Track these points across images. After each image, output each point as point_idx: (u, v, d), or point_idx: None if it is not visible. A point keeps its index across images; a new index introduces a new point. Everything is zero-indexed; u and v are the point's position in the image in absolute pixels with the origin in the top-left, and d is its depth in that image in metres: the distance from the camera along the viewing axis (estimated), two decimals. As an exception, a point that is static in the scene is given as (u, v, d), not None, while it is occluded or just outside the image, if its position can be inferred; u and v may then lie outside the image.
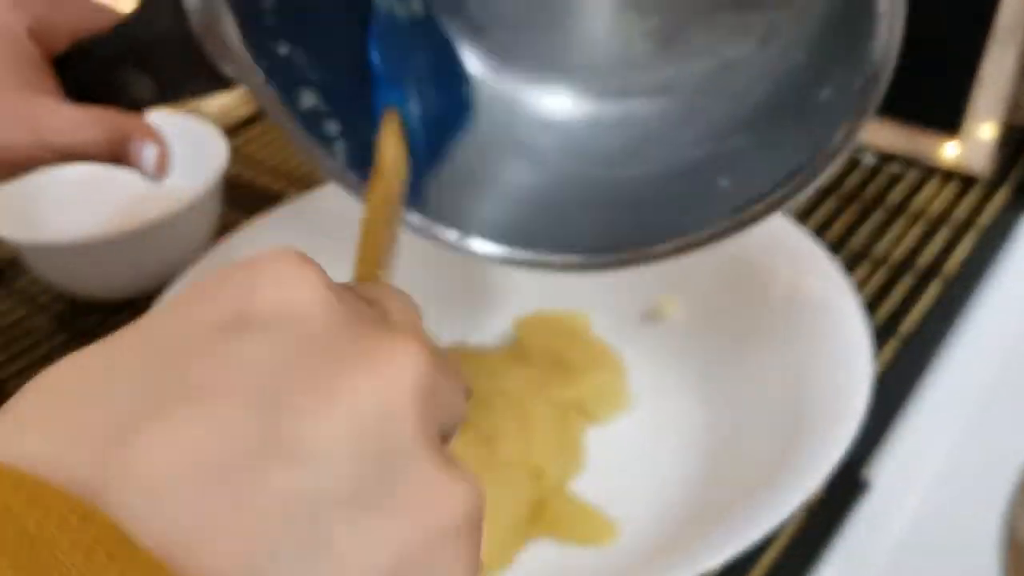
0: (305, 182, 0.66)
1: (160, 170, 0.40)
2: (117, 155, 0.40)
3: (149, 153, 0.40)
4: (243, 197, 0.64)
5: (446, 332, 0.51)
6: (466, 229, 0.38)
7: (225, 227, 0.61)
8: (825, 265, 0.43)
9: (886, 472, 0.45)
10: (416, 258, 0.52)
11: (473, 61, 0.42)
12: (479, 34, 0.42)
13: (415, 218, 0.38)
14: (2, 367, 0.53)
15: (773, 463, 0.37)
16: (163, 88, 0.40)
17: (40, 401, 0.16)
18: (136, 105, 0.40)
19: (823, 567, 0.41)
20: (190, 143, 0.59)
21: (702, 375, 0.46)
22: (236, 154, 0.68)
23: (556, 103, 0.42)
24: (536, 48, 0.42)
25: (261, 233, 0.49)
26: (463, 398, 0.19)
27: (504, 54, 0.42)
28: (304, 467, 0.15)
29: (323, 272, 0.18)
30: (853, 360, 0.38)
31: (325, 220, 0.51)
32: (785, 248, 0.45)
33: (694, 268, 0.48)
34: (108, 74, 0.40)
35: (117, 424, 0.15)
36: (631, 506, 0.42)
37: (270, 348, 0.16)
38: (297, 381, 0.16)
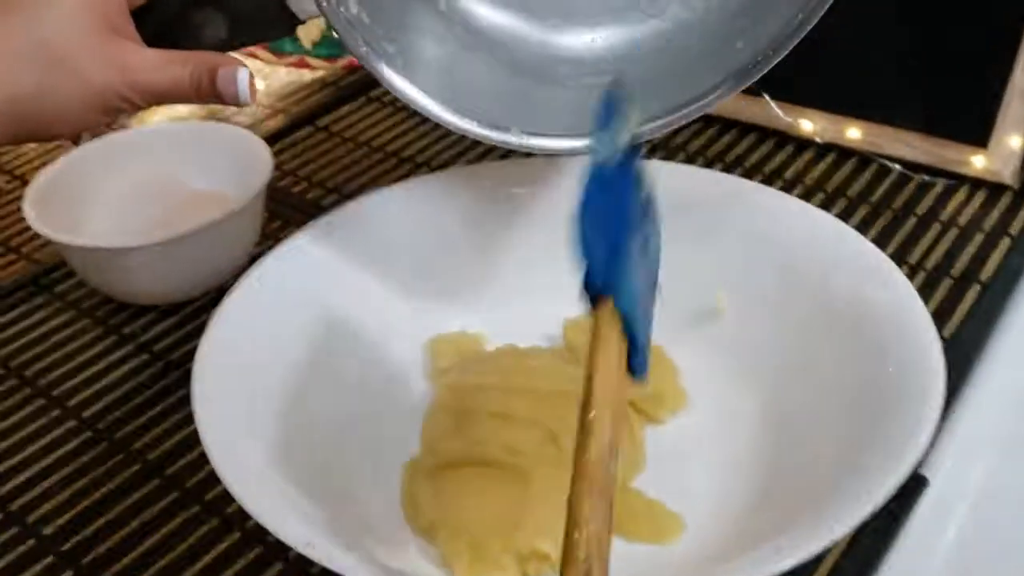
0: (339, 190, 0.66)
1: (253, 92, 0.41)
2: (203, 91, 0.41)
3: (243, 76, 0.41)
4: (281, 205, 0.64)
5: (497, 335, 0.51)
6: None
7: (265, 235, 0.62)
8: (888, 269, 0.44)
9: (942, 469, 0.45)
10: (466, 261, 0.53)
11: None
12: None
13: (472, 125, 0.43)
14: (49, 371, 0.53)
15: (840, 468, 0.38)
16: (237, 28, 0.41)
17: None
18: (212, 49, 0.41)
19: (885, 566, 0.42)
20: (233, 152, 0.60)
21: (758, 375, 0.47)
22: (271, 163, 0.68)
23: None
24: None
25: (313, 241, 0.50)
26: None
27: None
28: None
29: None
30: (924, 367, 0.39)
31: (371, 228, 0.51)
32: (844, 251, 0.46)
33: (747, 267, 0.49)
34: (185, 17, 0.41)
35: None
36: (693, 504, 0.42)
37: None
38: None
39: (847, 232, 0.47)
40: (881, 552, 0.42)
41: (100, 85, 0.39)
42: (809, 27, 0.38)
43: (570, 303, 0.51)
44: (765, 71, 0.40)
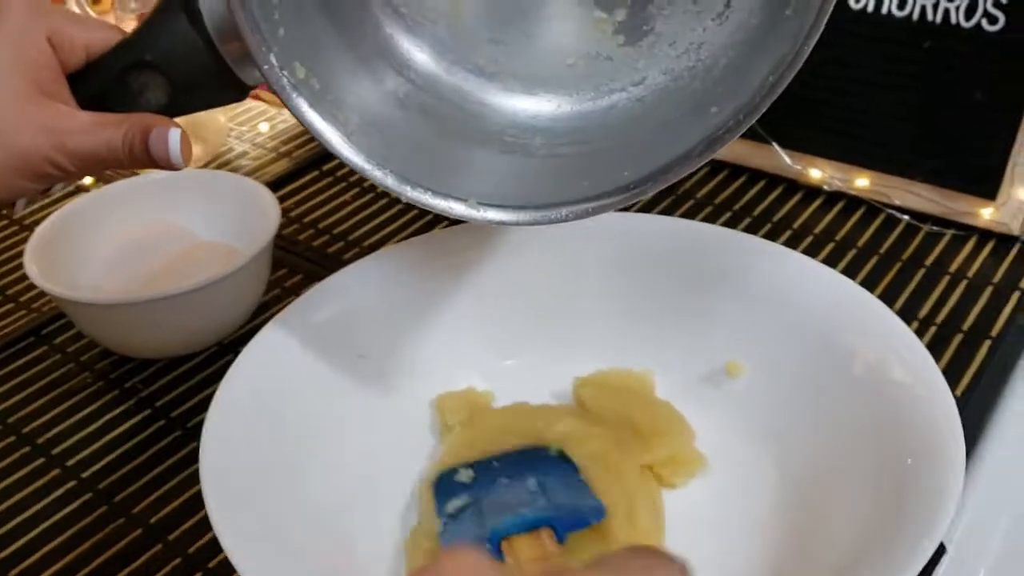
0: (344, 238, 0.65)
1: (187, 155, 0.40)
2: (136, 154, 0.39)
3: (174, 137, 0.39)
4: (286, 253, 0.64)
5: (506, 394, 0.50)
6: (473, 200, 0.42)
7: (270, 284, 0.61)
8: (904, 335, 0.43)
9: (958, 532, 0.45)
10: (473, 315, 0.52)
11: (471, 78, 0.47)
12: (467, 51, 0.47)
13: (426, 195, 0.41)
14: (48, 428, 0.52)
15: (862, 541, 0.37)
16: (178, 93, 0.40)
17: None
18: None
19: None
20: (239, 201, 0.59)
21: (774, 441, 0.46)
22: (274, 210, 0.68)
23: (540, 107, 0.47)
24: (518, 60, 0.47)
25: (316, 307, 0.49)
26: None
27: (489, 68, 0.47)
28: None
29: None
30: (945, 438, 0.38)
31: (370, 292, 0.50)
32: (860, 317, 0.45)
33: (767, 331, 0.48)
34: (123, 81, 0.40)
35: None
36: (710, 572, 0.41)
37: None
38: None
39: (869, 299, 0.46)
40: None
41: (27, 149, 0.38)
42: (780, 90, 0.38)
43: (577, 361, 0.51)
44: (738, 135, 0.39)
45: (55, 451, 0.51)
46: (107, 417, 0.53)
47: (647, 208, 0.66)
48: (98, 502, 0.48)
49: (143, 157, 0.39)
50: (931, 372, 0.42)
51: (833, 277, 0.48)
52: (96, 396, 0.54)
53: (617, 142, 0.44)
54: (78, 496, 0.48)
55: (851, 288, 0.47)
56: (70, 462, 0.50)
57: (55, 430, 0.52)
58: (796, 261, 0.49)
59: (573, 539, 0.40)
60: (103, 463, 0.50)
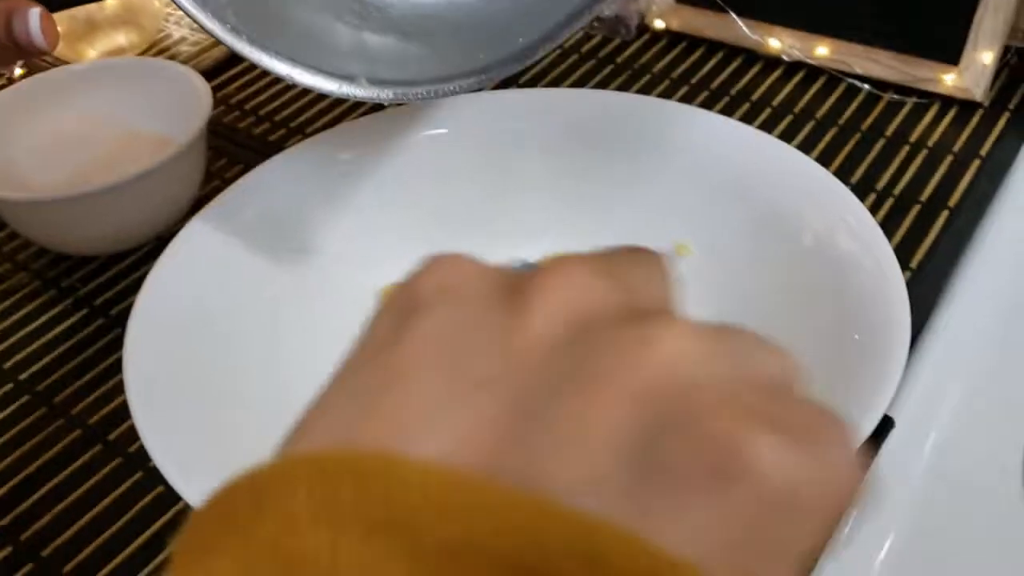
0: (286, 124, 0.63)
1: (51, 36, 0.38)
2: (2, 40, 0.37)
3: (33, 17, 0.37)
4: (227, 142, 0.62)
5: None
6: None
7: (210, 174, 0.59)
8: (853, 206, 0.42)
9: (907, 407, 0.44)
10: (415, 202, 0.50)
11: None
12: None
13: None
14: (-14, 328, 0.51)
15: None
16: None
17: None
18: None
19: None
20: (168, 89, 0.57)
21: (720, 314, 0.45)
22: (213, 97, 0.65)
23: None
24: None
25: (265, 178, 0.47)
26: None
27: None
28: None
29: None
30: (891, 310, 0.37)
31: (325, 165, 0.49)
32: (810, 190, 0.44)
33: (710, 208, 0.47)
34: None
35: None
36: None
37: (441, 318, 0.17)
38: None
39: (818, 170, 0.45)
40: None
41: None
42: None
43: (524, 247, 0.49)
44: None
45: (-5, 350, 0.50)
46: (45, 317, 0.51)
47: (602, 85, 0.64)
48: (36, 404, 0.47)
49: (8, 42, 0.37)
50: (879, 243, 0.41)
51: (783, 149, 0.46)
52: (33, 296, 0.53)
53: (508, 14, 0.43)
54: (15, 399, 0.47)
55: (801, 160, 0.45)
56: (7, 364, 0.49)
57: (-5, 329, 0.51)
58: (744, 134, 0.47)
59: None
60: (41, 364, 0.49)
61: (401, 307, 0.18)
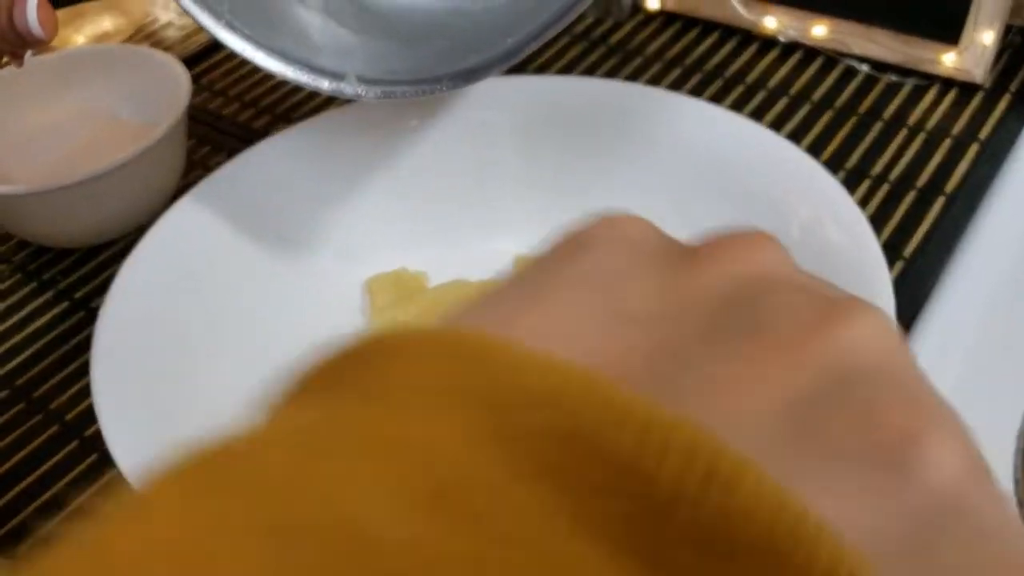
0: (272, 111, 0.62)
1: (48, 25, 0.37)
2: (4, 28, 0.37)
3: (31, 5, 0.37)
4: (210, 129, 0.61)
5: (441, 275, 0.48)
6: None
7: (194, 163, 0.58)
8: (840, 197, 0.41)
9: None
10: (401, 192, 0.49)
11: None
12: None
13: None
14: (-34, 322, 0.51)
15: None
16: None
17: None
18: None
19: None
20: (149, 76, 0.56)
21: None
22: (198, 84, 0.64)
23: None
24: None
25: (247, 167, 0.46)
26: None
27: None
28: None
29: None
30: (873, 297, 0.36)
31: (309, 154, 0.48)
32: (798, 181, 0.43)
33: (697, 197, 0.46)
34: None
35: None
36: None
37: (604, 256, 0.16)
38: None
39: (805, 160, 0.43)
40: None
41: None
42: None
43: (512, 239, 0.48)
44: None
45: (-27, 346, 0.49)
46: (26, 310, 0.51)
47: (594, 68, 0.63)
48: (16, 399, 0.46)
49: (10, 32, 0.37)
50: (865, 235, 0.40)
51: (770, 137, 0.45)
52: (14, 289, 0.52)
53: (498, 14, 0.42)
54: (-6, 393, 0.47)
55: (786, 148, 0.44)
56: (-13, 359, 0.49)
57: (-27, 325, 0.50)
58: (731, 121, 0.46)
59: None
60: (21, 358, 0.48)
61: (568, 244, 0.17)
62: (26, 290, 0.52)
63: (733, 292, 0.16)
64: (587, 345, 0.15)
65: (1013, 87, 0.58)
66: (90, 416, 0.44)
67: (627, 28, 0.66)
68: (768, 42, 0.63)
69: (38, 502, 0.42)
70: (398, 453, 0.11)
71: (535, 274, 0.17)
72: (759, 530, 0.11)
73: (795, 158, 0.43)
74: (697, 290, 0.16)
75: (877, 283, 0.38)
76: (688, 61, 0.63)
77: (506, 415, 0.12)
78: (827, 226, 0.41)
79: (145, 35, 0.70)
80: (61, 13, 0.67)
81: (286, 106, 0.62)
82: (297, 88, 0.64)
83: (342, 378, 0.13)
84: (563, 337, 0.15)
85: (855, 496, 0.13)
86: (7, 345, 0.49)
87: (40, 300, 0.51)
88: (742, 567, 0.11)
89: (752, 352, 0.14)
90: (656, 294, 0.16)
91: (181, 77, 0.54)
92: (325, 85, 0.41)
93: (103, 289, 0.51)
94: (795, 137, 0.56)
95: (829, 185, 0.42)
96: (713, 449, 0.12)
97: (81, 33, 0.68)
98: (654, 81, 0.61)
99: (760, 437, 0.13)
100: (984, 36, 0.57)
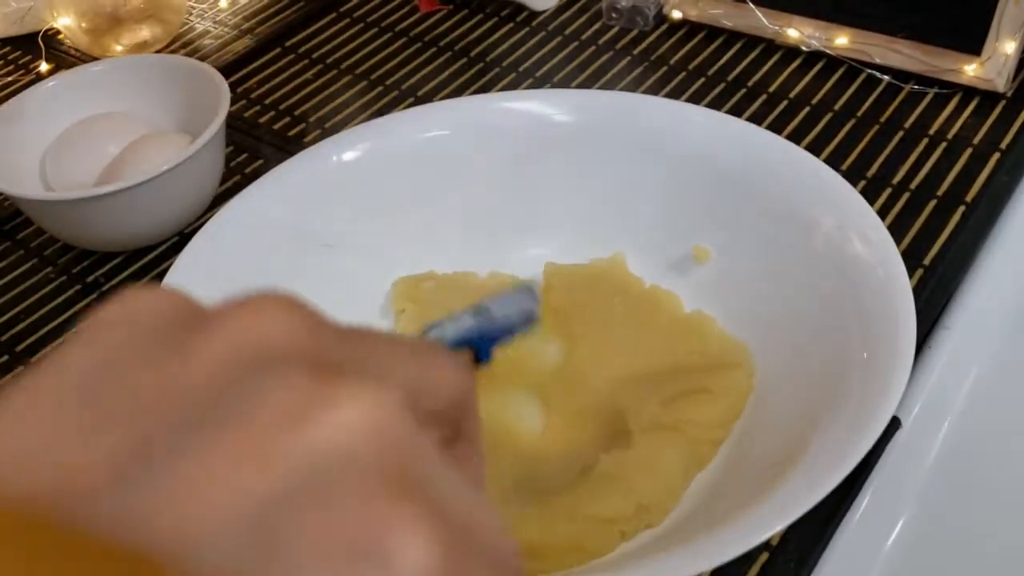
0: (306, 119, 0.64)
1: None
2: None
3: None
4: (247, 137, 0.62)
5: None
6: None
7: (231, 169, 0.60)
8: (865, 213, 0.42)
9: (916, 407, 0.44)
10: (439, 199, 0.51)
11: None
12: None
13: None
14: (12, 324, 0.52)
15: (818, 421, 0.37)
16: None
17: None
18: None
19: (860, 505, 0.41)
20: (187, 86, 0.58)
21: (739, 320, 0.45)
22: (235, 93, 0.66)
23: None
24: None
25: (285, 175, 0.48)
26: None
27: None
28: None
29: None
30: (899, 323, 0.37)
31: (343, 163, 0.49)
32: (826, 197, 0.43)
33: (726, 212, 0.47)
34: None
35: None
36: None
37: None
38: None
39: (826, 171, 0.44)
40: (855, 494, 0.41)
41: None
42: None
43: (550, 245, 0.50)
44: None
45: (18, 348, 0.51)
46: (70, 312, 0.53)
47: (619, 78, 0.64)
48: (62, 398, 0.48)
49: None
50: (887, 247, 0.41)
51: (792, 150, 0.46)
52: (59, 291, 0.54)
53: None
54: (41, 393, 0.48)
55: (808, 160, 0.45)
56: (34, 359, 0.50)
57: (18, 327, 0.52)
58: (755, 134, 0.47)
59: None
60: (66, 359, 0.50)
61: (79, 331, 0.16)
62: (70, 292, 0.54)
63: (225, 372, 0.15)
64: (53, 460, 0.14)
65: (1035, 97, 0.59)
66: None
67: (652, 38, 0.67)
68: (791, 52, 0.64)
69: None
70: None
71: (25, 381, 0.15)
72: None
73: (816, 170, 0.44)
74: (190, 375, 0.15)
75: (898, 295, 0.39)
76: (712, 71, 0.64)
77: None
78: (849, 238, 0.42)
79: (182, 44, 0.72)
80: (101, 23, 0.69)
81: (319, 115, 0.64)
82: (329, 97, 0.66)
83: None
84: (30, 455, 0.14)
85: None
86: (53, 346, 0.51)
87: (84, 302, 0.53)
88: None
89: (227, 447, 0.14)
90: (144, 384, 0.15)
91: (220, 86, 0.55)
92: None
93: (144, 292, 0.53)
94: (817, 146, 0.57)
95: (850, 197, 0.43)
96: None
97: (120, 43, 0.70)
98: (678, 89, 0.62)
99: (230, 547, 0.13)
100: (1006, 46, 0.58)
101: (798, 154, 0.45)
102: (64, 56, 0.72)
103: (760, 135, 0.47)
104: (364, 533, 0.13)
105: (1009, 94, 0.59)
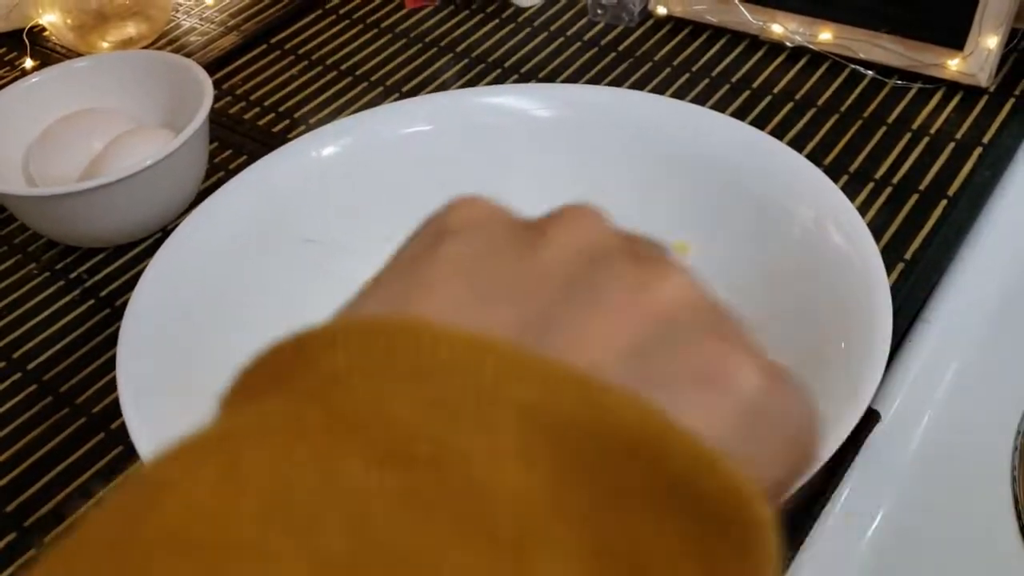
0: (290, 115, 0.64)
1: None
2: None
3: None
4: (231, 132, 0.62)
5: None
6: None
7: (215, 165, 0.60)
8: (841, 204, 0.42)
9: (896, 400, 0.45)
10: (421, 193, 0.51)
11: None
12: None
13: None
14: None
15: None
16: None
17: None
18: None
19: (840, 496, 0.42)
20: (172, 82, 0.58)
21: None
22: (219, 89, 0.66)
23: None
24: None
25: (267, 170, 0.48)
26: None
27: None
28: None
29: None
30: (876, 316, 0.37)
31: (325, 158, 0.49)
32: (802, 188, 0.44)
33: (704, 206, 0.47)
34: None
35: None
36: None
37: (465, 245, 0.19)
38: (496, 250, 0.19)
39: (806, 165, 0.44)
40: (834, 486, 0.41)
41: None
42: None
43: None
44: None
45: (1, 343, 0.51)
46: (53, 308, 0.53)
47: (604, 73, 0.64)
48: (43, 393, 0.48)
49: None
50: (864, 240, 0.41)
51: (773, 144, 0.46)
52: (42, 287, 0.54)
53: None
54: (23, 388, 0.48)
55: (788, 153, 0.45)
56: (15, 354, 0.50)
57: (1, 323, 0.52)
58: (735, 128, 0.47)
59: None
60: (49, 354, 0.50)
61: (430, 232, 0.20)
62: (53, 288, 0.54)
63: (572, 261, 0.19)
64: (471, 320, 0.17)
65: (1017, 91, 0.59)
66: (115, 410, 0.46)
67: (637, 34, 0.67)
68: (775, 47, 0.64)
69: (65, 492, 0.43)
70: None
71: (408, 264, 0.19)
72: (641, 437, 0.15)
73: (796, 163, 0.44)
74: (543, 265, 0.19)
75: (874, 288, 0.39)
76: (697, 66, 0.64)
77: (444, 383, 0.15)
78: (827, 230, 0.42)
79: (168, 40, 0.72)
80: (87, 19, 0.69)
81: (304, 111, 0.64)
82: (314, 93, 0.66)
83: (282, 376, 0.16)
84: (450, 317, 0.17)
85: (690, 406, 0.17)
86: (35, 341, 0.51)
87: (67, 298, 0.53)
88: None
89: (596, 314, 0.18)
90: (512, 273, 0.19)
91: (204, 83, 0.55)
92: None
93: (128, 287, 0.53)
94: (801, 141, 0.57)
95: (829, 190, 0.43)
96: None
97: (106, 39, 0.70)
98: (663, 85, 0.62)
99: (620, 375, 0.17)
100: (989, 40, 0.58)
101: (776, 147, 0.45)
102: (50, 53, 0.72)
103: (741, 129, 0.47)
104: (710, 361, 0.18)
105: (992, 89, 0.59)
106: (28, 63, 0.71)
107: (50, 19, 0.70)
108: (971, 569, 0.40)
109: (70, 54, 0.71)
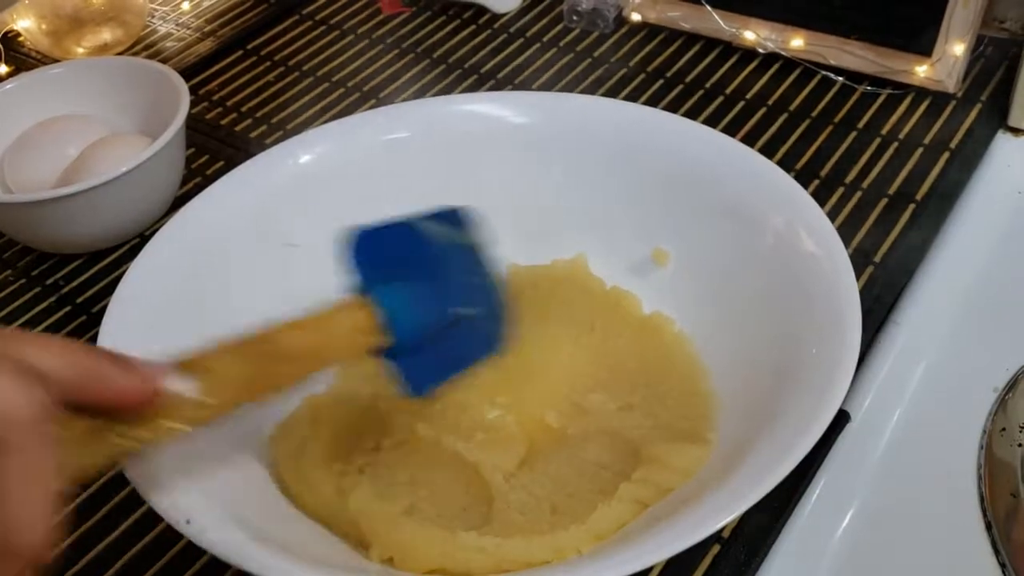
0: (267, 121, 0.64)
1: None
2: None
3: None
4: (208, 138, 0.63)
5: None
6: None
7: (192, 171, 0.60)
8: (812, 210, 0.43)
9: (865, 401, 0.45)
10: (402, 199, 0.51)
11: None
12: None
13: None
14: (-28, 326, 0.52)
15: (766, 417, 0.37)
16: None
17: None
18: None
19: (810, 497, 0.42)
20: (148, 88, 0.58)
21: (694, 320, 0.46)
22: (196, 95, 0.66)
23: None
24: None
25: (244, 176, 0.48)
26: None
27: None
28: None
29: None
30: (845, 320, 0.38)
31: (300, 165, 0.49)
32: (774, 195, 0.44)
33: (678, 211, 0.47)
34: None
35: None
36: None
37: None
38: None
39: (777, 172, 0.45)
40: (804, 487, 0.42)
41: None
42: None
43: (510, 248, 0.50)
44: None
45: (-23, 351, 0.51)
46: (29, 314, 0.53)
47: (579, 80, 0.64)
48: (20, 400, 0.48)
49: None
50: (834, 244, 0.41)
51: (744, 151, 0.46)
52: (18, 294, 0.54)
53: None
54: (-1, 395, 0.48)
55: (759, 161, 0.46)
56: (-8, 361, 0.50)
57: (-23, 329, 0.52)
58: (706, 136, 0.47)
59: None
60: (25, 361, 0.50)
61: None
62: (29, 295, 0.54)
63: None
64: None
65: (984, 96, 0.60)
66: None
67: (612, 40, 0.68)
68: (748, 54, 0.65)
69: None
70: None
71: None
72: None
73: (768, 170, 0.45)
74: None
75: (844, 291, 0.39)
76: (671, 72, 0.65)
77: None
78: (798, 234, 0.42)
79: (144, 46, 0.72)
80: (62, 25, 0.69)
81: (280, 116, 0.64)
82: (292, 99, 0.66)
83: None
84: None
85: None
86: (12, 348, 0.51)
87: (43, 305, 0.53)
88: None
89: None
90: None
91: (179, 88, 0.55)
92: None
93: (104, 294, 0.53)
94: (772, 146, 0.58)
95: (800, 196, 0.44)
96: None
97: (81, 45, 0.70)
98: (637, 91, 0.63)
99: None
100: (955, 47, 0.59)
101: (747, 153, 0.46)
102: (24, 59, 0.71)
103: (713, 136, 0.47)
104: None
105: (959, 94, 0.60)
106: (2, 69, 0.70)
107: (24, 24, 0.70)
108: (939, 563, 0.41)
109: (45, 60, 0.71)
